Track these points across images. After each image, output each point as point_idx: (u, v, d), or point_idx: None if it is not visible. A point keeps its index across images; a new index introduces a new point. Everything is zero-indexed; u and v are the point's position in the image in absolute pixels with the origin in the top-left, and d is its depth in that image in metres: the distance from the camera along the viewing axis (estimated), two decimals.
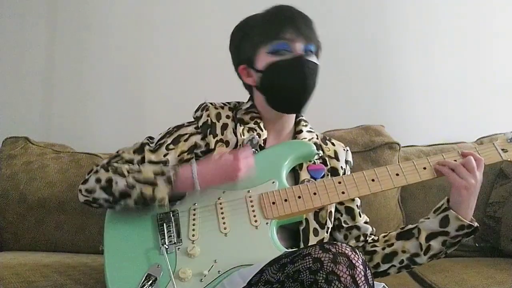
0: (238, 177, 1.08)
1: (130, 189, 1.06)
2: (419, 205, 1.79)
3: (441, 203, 1.16)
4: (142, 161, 1.16)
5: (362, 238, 1.25)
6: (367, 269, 0.86)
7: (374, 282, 0.89)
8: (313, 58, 1.19)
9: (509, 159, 1.17)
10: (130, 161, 1.16)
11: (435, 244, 1.12)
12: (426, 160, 1.16)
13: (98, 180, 1.10)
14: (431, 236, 1.13)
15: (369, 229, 1.26)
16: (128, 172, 1.09)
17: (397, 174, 1.14)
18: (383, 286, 0.99)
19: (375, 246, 1.21)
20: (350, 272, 0.83)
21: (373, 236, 1.26)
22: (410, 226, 1.19)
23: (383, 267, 1.18)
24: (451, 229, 1.11)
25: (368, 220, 1.28)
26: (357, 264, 0.84)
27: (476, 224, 1.11)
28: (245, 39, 1.22)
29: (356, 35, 2.13)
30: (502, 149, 1.17)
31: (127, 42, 2.13)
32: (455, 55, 2.14)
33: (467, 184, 1.09)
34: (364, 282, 0.84)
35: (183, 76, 2.11)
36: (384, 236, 1.23)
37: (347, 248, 0.86)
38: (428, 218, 1.16)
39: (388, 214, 1.74)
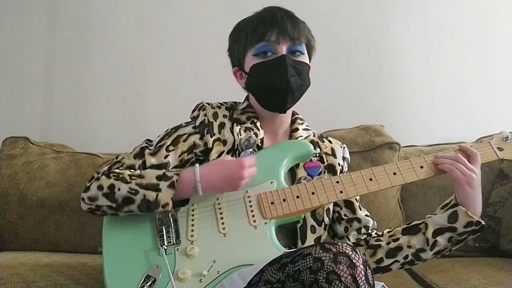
0: (240, 184, 1.08)
1: (133, 195, 1.06)
2: (419, 205, 1.78)
3: (449, 199, 1.17)
4: (143, 165, 1.15)
5: (363, 230, 1.25)
6: (368, 268, 0.86)
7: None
8: (299, 58, 1.19)
9: (505, 157, 1.18)
10: (131, 167, 1.15)
11: (442, 240, 1.13)
12: (423, 158, 1.17)
13: (100, 187, 1.09)
14: (438, 232, 1.14)
15: (370, 221, 1.27)
16: (131, 177, 1.08)
17: (395, 173, 1.15)
18: (382, 285, 0.99)
19: (380, 240, 1.21)
20: (351, 272, 0.83)
21: (376, 231, 1.27)
22: (416, 222, 1.20)
23: (386, 262, 1.18)
24: (459, 225, 1.11)
25: (368, 214, 1.29)
26: (357, 263, 0.85)
27: (483, 222, 1.12)
28: (235, 43, 1.24)
29: (356, 35, 2.13)
30: (498, 148, 1.19)
31: (127, 41, 2.13)
32: (455, 54, 2.13)
33: (469, 179, 1.11)
34: (364, 281, 0.84)
35: (184, 76, 2.11)
36: (389, 231, 1.23)
37: (347, 248, 0.86)
38: (436, 214, 1.17)
39: (388, 214, 1.74)
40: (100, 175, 1.12)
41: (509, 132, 1.20)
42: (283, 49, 1.17)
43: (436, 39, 2.14)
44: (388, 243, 1.19)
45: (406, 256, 1.17)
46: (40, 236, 1.70)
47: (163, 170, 1.11)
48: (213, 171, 1.09)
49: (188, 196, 1.11)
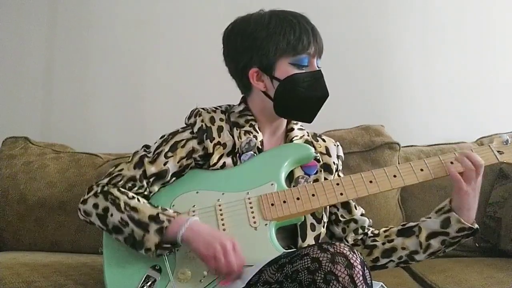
0: (208, 259, 1.01)
1: (123, 226, 1.06)
2: (419, 205, 1.79)
3: (443, 204, 1.17)
4: (144, 174, 1.14)
5: (360, 231, 1.26)
6: (366, 268, 0.86)
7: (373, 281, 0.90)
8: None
9: (505, 161, 1.18)
10: (132, 179, 1.14)
11: (435, 243, 1.15)
12: (423, 161, 1.17)
13: (95, 206, 1.10)
14: (431, 235, 1.15)
15: (366, 221, 1.28)
16: (125, 207, 1.07)
17: (395, 176, 1.16)
18: (381, 285, 0.99)
19: (376, 240, 1.24)
20: (348, 272, 0.84)
21: (372, 229, 1.28)
22: (411, 224, 1.22)
23: (382, 261, 1.21)
24: (451, 231, 1.13)
25: (364, 212, 1.30)
26: (355, 264, 0.85)
27: (476, 226, 1.13)
28: (268, 43, 1.16)
29: (356, 35, 2.13)
30: (498, 151, 1.19)
31: (127, 42, 2.13)
32: (455, 54, 2.13)
33: (469, 190, 1.11)
34: (362, 282, 0.84)
35: (184, 76, 2.10)
36: (385, 231, 1.25)
37: (345, 248, 0.87)
38: (430, 218, 1.18)
39: (388, 214, 1.74)
40: (99, 190, 1.12)
41: (508, 136, 1.20)
42: (316, 63, 1.19)
43: (436, 39, 2.14)
44: (383, 243, 1.22)
45: (401, 257, 1.19)
46: (40, 236, 1.70)
47: (158, 210, 1.07)
48: (201, 232, 1.04)
49: (171, 241, 1.05)
